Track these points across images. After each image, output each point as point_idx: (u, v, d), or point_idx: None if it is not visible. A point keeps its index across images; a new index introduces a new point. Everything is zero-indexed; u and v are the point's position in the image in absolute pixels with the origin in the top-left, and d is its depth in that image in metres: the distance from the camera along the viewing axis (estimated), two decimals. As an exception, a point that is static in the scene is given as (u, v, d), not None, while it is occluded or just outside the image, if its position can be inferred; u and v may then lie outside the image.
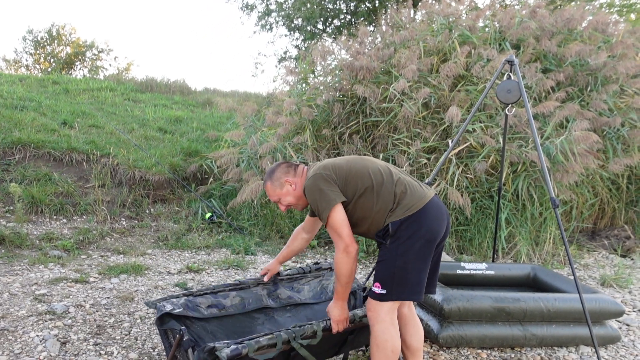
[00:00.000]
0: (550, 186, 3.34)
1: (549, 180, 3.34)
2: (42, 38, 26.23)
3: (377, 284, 2.28)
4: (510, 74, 3.64)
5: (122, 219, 5.87)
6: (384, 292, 2.25)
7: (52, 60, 25.70)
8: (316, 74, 7.36)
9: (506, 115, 3.84)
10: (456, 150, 5.26)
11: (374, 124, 5.92)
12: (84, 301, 3.67)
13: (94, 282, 4.12)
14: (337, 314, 2.40)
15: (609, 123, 5.69)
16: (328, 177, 2.34)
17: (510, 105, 3.72)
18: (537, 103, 5.54)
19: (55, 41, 26.12)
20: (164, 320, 2.42)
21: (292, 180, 2.48)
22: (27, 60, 26.54)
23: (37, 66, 26.04)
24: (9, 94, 8.43)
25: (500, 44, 6.23)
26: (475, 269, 3.87)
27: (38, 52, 26.09)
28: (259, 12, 13.93)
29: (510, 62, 3.61)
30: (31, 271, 4.27)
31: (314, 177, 2.35)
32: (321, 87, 6.49)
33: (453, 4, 7.69)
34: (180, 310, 2.49)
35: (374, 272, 2.41)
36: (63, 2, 47.27)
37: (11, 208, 5.45)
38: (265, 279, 2.95)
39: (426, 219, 2.27)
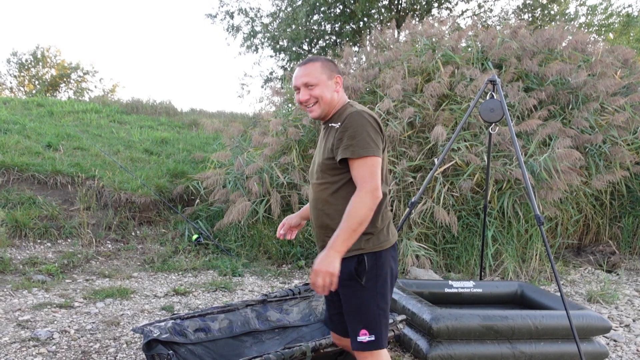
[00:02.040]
0: (535, 204, 3.38)
1: (533, 198, 3.38)
2: (26, 60, 26.14)
3: (363, 331, 2.01)
4: (493, 93, 3.71)
5: (108, 241, 5.81)
6: (372, 338, 2.00)
7: (36, 82, 25.58)
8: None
9: (490, 133, 3.90)
10: (442, 169, 5.30)
11: (360, 143, 5.95)
12: (69, 326, 3.61)
13: (79, 306, 4.06)
14: (325, 265, 1.86)
15: (591, 140, 5.79)
16: (379, 129, 2.05)
17: (493, 123, 3.78)
18: (520, 121, 5.62)
19: (40, 63, 26.04)
20: (151, 345, 2.39)
21: (340, 82, 2.17)
22: (11, 83, 26.39)
23: (22, 88, 25.90)
24: (-7, 117, 8.37)
25: (482, 64, 6.33)
26: (462, 287, 3.88)
27: (22, 74, 25.96)
28: (244, 33, 14.03)
29: (493, 82, 3.67)
30: (14, 296, 4.20)
31: (370, 115, 2.05)
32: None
33: (436, 24, 7.83)
34: (167, 335, 2.46)
35: (350, 318, 2.06)
36: (48, 24, 47.22)
37: (-6, 232, 5.38)
38: (281, 232, 2.53)
39: (395, 257, 2.14)
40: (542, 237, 3.76)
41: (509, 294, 3.95)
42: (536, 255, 5.39)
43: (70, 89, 26.59)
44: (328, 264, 1.84)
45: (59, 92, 25.98)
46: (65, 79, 26.41)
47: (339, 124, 2.03)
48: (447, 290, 3.85)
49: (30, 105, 10.61)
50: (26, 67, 26.20)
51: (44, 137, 7.77)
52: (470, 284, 3.91)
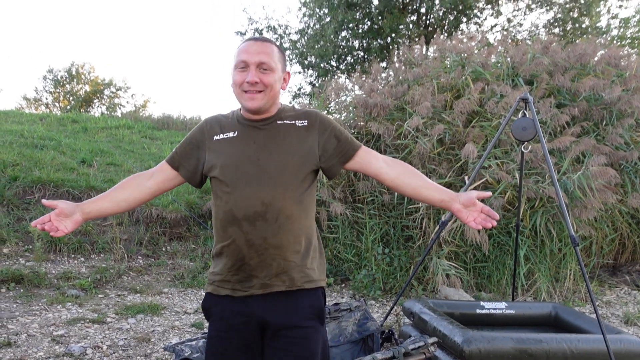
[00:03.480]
0: (570, 224, 3.31)
1: (568, 218, 3.31)
2: (61, 77, 26.90)
3: None
4: (525, 111, 3.66)
5: (139, 257, 5.90)
6: None
7: (71, 98, 26.29)
8: (330, 110, 7.44)
9: (522, 152, 3.85)
10: (472, 187, 5.24)
11: (389, 160, 5.93)
12: (101, 342, 3.66)
13: (111, 322, 4.12)
14: (473, 193, 1.80)
15: (626, 157, 5.66)
16: None
17: (526, 142, 3.73)
18: (552, 138, 5.53)
19: (75, 80, 26.78)
20: (182, 364, 2.41)
21: (288, 80, 1.96)
22: (46, 99, 27.19)
23: (57, 104, 26.65)
24: (30, 133, 8.61)
25: (513, 80, 6.27)
26: (494, 308, 3.81)
27: (57, 90, 26.72)
28: (273, 50, 14.18)
29: (525, 100, 3.63)
30: (49, 311, 4.29)
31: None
32: (336, 125, 6.53)
33: (465, 40, 7.79)
34: (198, 355, 2.48)
35: None
36: (83, 42, 48.62)
37: (30, 247, 5.51)
38: (42, 225, 1.81)
39: None
40: (577, 258, 3.67)
41: (543, 316, 3.86)
42: (570, 274, 5.27)
43: (103, 104, 27.25)
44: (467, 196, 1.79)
45: (92, 107, 26.65)
46: (98, 95, 27.09)
47: (305, 122, 1.89)
48: (478, 311, 3.79)
49: (65, 121, 10.89)
50: (61, 83, 26.97)
51: (79, 153, 7.95)
52: (503, 305, 3.84)
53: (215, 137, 1.88)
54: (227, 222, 1.80)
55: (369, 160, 1.95)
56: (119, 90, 27.65)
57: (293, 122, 1.88)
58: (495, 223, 1.79)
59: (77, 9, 51.66)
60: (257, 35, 2.34)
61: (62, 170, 6.92)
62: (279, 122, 1.88)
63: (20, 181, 6.27)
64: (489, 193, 1.88)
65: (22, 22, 47.83)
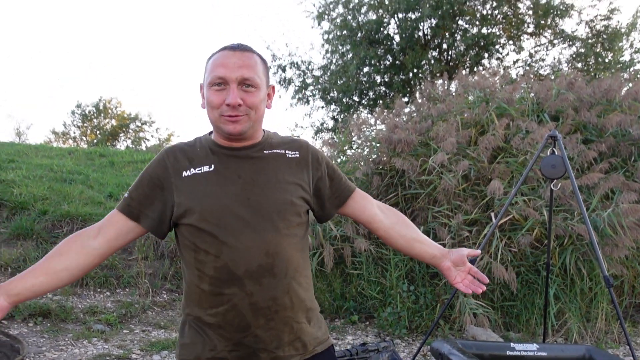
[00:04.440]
0: (602, 263, 3.25)
1: (600, 257, 3.25)
2: (89, 112, 27.62)
3: None
4: (554, 149, 3.64)
5: (163, 292, 5.92)
6: None
7: (98, 132, 26.92)
8: (353, 146, 7.49)
9: (551, 190, 3.81)
10: (499, 223, 5.19)
11: (414, 196, 5.92)
12: (127, 379, 3.65)
13: (136, 358, 4.11)
14: (463, 251, 1.72)
15: (657, 194, 5.55)
16: None
17: (555, 180, 3.70)
18: (580, 175, 5.46)
19: (102, 114, 27.47)
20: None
21: (273, 96, 1.63)
22: (74, 133, 27.88)
23: (84, 138, 27.28)
24: (59, 167, 8.81)
25: (538, 116, 6.25)
26: (525, 350, 3.71)
27: (85, 124, 27.41)
28: (296, 85, 14.42)
29: (554, 138, 3.61)
30: (75, 346, 4.30)
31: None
32: (361, 162, 6.56)
33: (487, 75, 7.83)
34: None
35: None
36: (111, 77, 50.02)
37: (57, 281, 5.56)
38: None
39: None
40: (611, 299, 3.58)
41: (576, 359, 3.75)
42: (602, 314, 5.13)
43: (129, 138, 27.84)
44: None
45: (118, 141, 27.25)
46: (124, 129, 27.69)
47: (296, 153, 1.59)
48: (509, 352, 3.69)
49: (93, 155, 11.12)
50: (89, 118, 27.66)
51: (106, 187, 8.09)
52: (534, 346, 3.74)
53: (185, 173, 1.49)
54: (222, 282, 1.43)
55: (364, 205, 1.73)
56: (144, 124, 28.26)
57: (283, 151, 1.57)
58: (484, 288, 1.69)
59: (107, 45, 53.31)
60: (237, 44, 1.40)
61: (89, 205, 7.03)
62: (266, 151, 1.55)
63: (49, 215, 6.39)
64: (479, 252, 1.79)
65: (53, 59, 49.51)
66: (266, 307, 1.44)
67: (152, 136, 28.03)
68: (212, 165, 1.50)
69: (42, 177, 7.86)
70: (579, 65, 13.64)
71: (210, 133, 1.60)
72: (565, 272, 5.06)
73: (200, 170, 1.49)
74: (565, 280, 5.06)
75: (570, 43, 13.86)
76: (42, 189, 7.06)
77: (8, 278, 5.21)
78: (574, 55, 13.92)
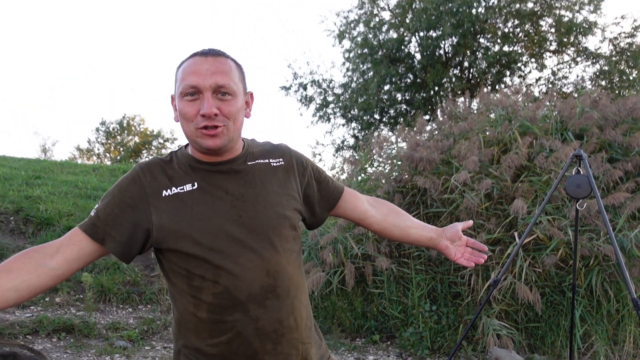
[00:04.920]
0: (630, 285, 3.17)
1: (628, 278, 3.18)
2: (113, 129, 28.11)
3: None
4: (579, 168, 3.59)
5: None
6: None
7: (121, 149, 27.36)
8: (374, 164, 7.48)
9: (577, 209, 3.75)
10: (523, 243, 5.11)
11: (436, 214, 5.88)
12: (149, 396, 3.66)
13: (158, 375, 4.12)
14: (457, 225, 1.71)
15: (686, 214, 5.43)
16: None
17: (581, 199, 3.64)
18: (605, 194, 5.38)
19: (125, 131, 27.94)
20: None
21: (252, 103, 1.50)
22: (98, 150, 28.37)
23: (107, 155, 27.75)
24: (84, 183, 8.96)
25: (562, 134, 6.18)
26: (552, 373, 3.63)
27: (109, 141, 27.88)
28: (317, 103, 14.52)
29: (579, 157, 3.57)
30: (98, 362, 4.33)
31: None
32: (382, 180, 6.55)
33: (509, 92, 7.79)
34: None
35: None
36: (135, 94, 50.98)
37: (81, 297, 5.64)
38: None
39: None
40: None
41: (604, 383, 3.66)
42: (630, 338, 5.00)
43: (151, 155, 28.22)
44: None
45: (140, 158, 27.65)
46: (147, 146, 28.09)
47: (280, 160, 1.50)
48: (534, 375, 3.62)
49: (116, 172, 11.29)
50: (113, 135, 28.15)
51: (129, 203, 8.19)
52: (560, 370, 3.66)
53: (165, 192, 1.36)
54: (223, 309, 1.33)
55: (355, 203, 1.66)
56: (167, 141, 28.63)
57: (266, 160, 1.47)
58: (485, 257, 1.65)
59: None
60: (208, 49, 1.38)
61: (113, 221, 7.12)
62: (250, 162, 1.44)
63: (74, 231, 6.48)
64: (471, 222, 1.74)
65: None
66: (272, 330, 1.35)
67: (174, 153, 28.45)
68: (195, 183, 1.37)
69: (67, 194, 8.00)
70: (603, 83, 13.50)
71: (186, 146, 1.48)
72: (591, 294, 4.95)
73: (183, 189, 1.36)
74: (592, 302, 4.96)
75: (594, 61, 13.74)
76: (67, 205, 7.18)
77: (33, 293, 5.31)
78: (597, 73, 13.78)
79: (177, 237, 1.32)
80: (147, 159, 1.53)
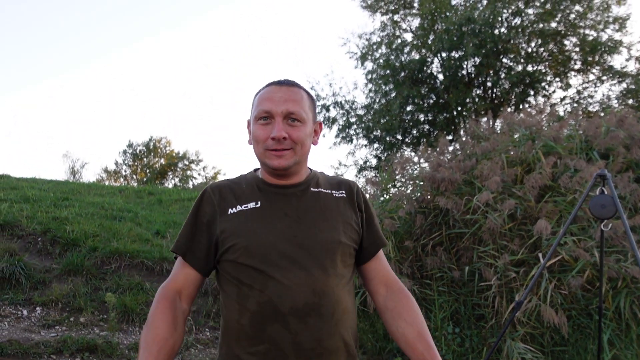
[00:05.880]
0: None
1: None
2: (140, 151, 28.61)
3: None
4: (603, 188, 3.54)
5: (207, 329, 5.95)
6: None
7: (147, 171, 27.80)
8: (397, 184, 7.46)
9: (602, 230, 3.68)
10: (547, 264, 5.02)
11: (458, 235, 5.82)
12: (169, 417, 3.66)
13: (178, 396, 4.13)
14: None
15: None
16: None
17: (606, 220, 3.57)
18: (632, 214, 5.26)
19: (152, 153, 28.40)
20: None
21: (319, 133, 1.60)
22: (125, 171, 28.88)
23: (134, 176, 28.21)
24: (110, 205, 9.11)
25: (587, 154, 6.09)
26: (579, 399, 3.53)
27: (136, 163, 28.36)
28: (339, 124, 14.58)
29: (602, 177, 3.51)
30: (120, 382, 4.36)
31: None
32: (404, 200, 6.52)
33: (533, 112, 7.71)
34: None
35: None
36: (161, 117, 51.93)
37: (105, 317, 5.69)
38: None
39: None
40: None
41: (634, 410, 3.54)
42: (661, 363, 4.84)
43: (177, 176, 28.60)
44: None
45: (166, 179, 28.03)
46: (172, 168, 28.50)
47: (342, 192, 1.56)
48: (560, 401, 3.52)
49: (142, 193, 11.47)
50: (139, 157, 28.64)
51: (153, 224, 8.30)
52: (588, 395, 3.55)
53: (231, 210, 1.47)
54: (265, 319, 1.37)
55: (383, 267, 1.63)
56: (192, 163, 29.02)
57: (329, 191, 1.55)
58: None
59: (158, 85, 55.57)
60: (283, 79, 1.47)
61: (137, 242, 7.22)
62: (313, 189, 1.52)
63: (99, 252, 6.58)
64: None
65: (108, 101, 51.95)
66: (310, 348, 1.36)
67: (199, 174, 28.73)
68: (259, 202, 1.48)
69: (93, 215, 8.14)
70: (630, 101, 13.27)
71: (256, 170, 1.61)
72: (619, 317, 4.82)
73: (247, 207, 1.47)
74: (620, 325, 4.82)
75: (620, 79, 13.54)
76: (93, 226, 7.30)
77: (59, 313, 5.37)
78: (624, 92, 13.56)
79: (234, 249, 1.43)
80: (216, 181, 1.65)
